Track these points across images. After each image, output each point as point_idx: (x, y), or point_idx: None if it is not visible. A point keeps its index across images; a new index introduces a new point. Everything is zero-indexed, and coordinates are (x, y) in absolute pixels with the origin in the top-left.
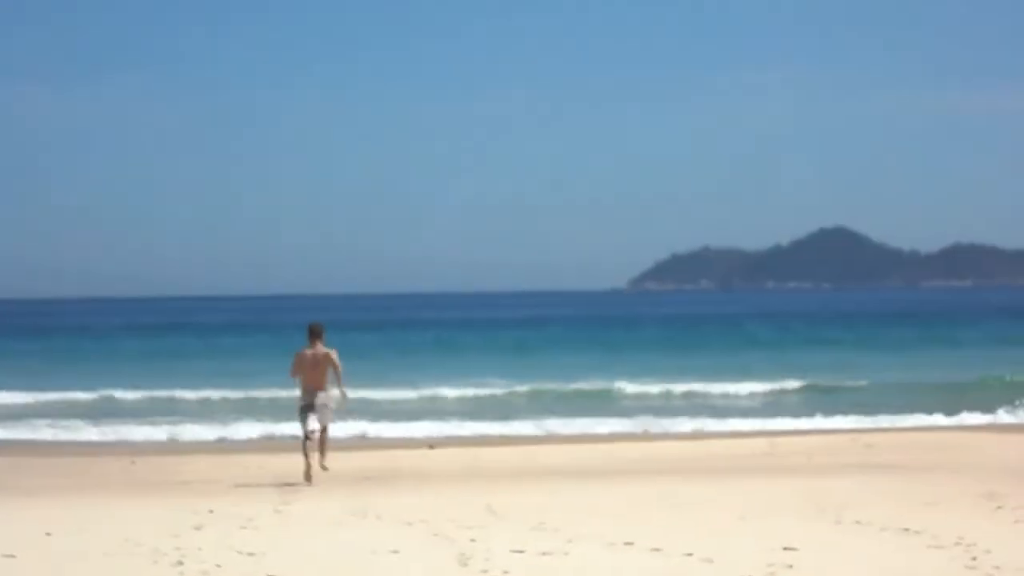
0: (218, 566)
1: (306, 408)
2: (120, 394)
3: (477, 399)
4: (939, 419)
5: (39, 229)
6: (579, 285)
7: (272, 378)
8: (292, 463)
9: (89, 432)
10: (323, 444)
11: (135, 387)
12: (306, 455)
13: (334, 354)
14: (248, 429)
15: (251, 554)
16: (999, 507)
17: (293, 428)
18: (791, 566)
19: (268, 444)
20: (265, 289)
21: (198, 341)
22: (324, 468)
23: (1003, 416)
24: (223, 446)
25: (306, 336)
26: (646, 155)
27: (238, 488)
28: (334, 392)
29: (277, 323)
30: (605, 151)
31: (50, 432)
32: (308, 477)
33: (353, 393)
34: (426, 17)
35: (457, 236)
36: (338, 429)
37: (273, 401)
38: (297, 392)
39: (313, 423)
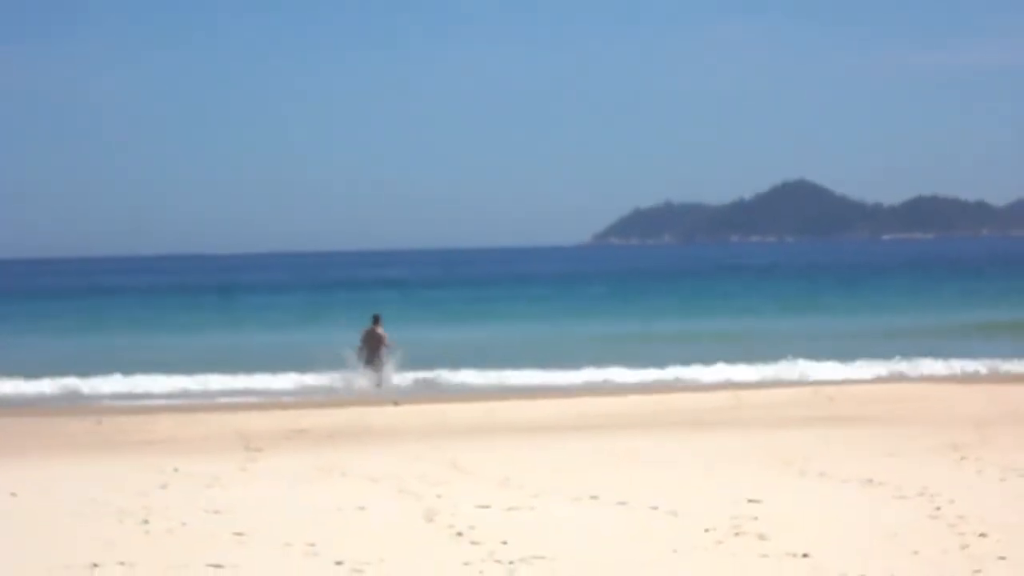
0: (184, 524)
1: (367, 362)
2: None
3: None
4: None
5: None
6: (543, 241)
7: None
8: (256, 420)
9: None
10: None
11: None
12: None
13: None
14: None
15: (217, 512)
16: (962, 458)
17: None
18: (756, 518)
19: (231, 403)
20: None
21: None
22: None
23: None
24: (188, 404)
25: (370, 319)
26: (608, 110)
27: (203, 446)
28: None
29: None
30: (563, 105)
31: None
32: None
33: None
34: None
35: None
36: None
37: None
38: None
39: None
